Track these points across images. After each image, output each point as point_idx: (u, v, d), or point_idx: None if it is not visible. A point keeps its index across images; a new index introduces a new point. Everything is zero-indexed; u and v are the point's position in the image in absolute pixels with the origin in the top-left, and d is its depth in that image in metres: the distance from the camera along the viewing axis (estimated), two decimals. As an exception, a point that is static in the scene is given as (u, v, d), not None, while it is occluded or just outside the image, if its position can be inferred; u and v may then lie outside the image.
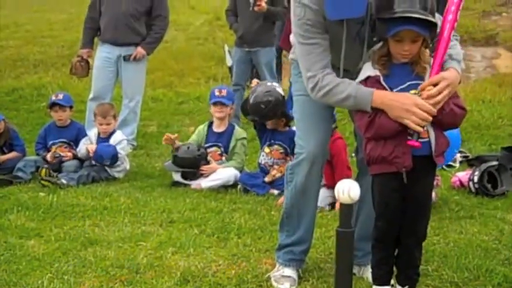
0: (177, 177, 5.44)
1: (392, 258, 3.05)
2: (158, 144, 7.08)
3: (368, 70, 2.94)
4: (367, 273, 3.30)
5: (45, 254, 3.68)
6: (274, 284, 3.32)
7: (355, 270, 3.38)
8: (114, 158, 5.61)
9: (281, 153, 5.25)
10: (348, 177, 4.89)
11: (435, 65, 2.88)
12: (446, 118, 2.89)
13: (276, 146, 5.26)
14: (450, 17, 2.92)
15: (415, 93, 2.87)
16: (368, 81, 2.91)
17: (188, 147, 5.41)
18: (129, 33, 6.72)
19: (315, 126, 3.20)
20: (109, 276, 3.39)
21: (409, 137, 2.83)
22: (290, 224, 3.40)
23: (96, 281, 3.30)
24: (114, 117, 5.90)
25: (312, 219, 3.44)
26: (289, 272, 3.36)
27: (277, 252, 3.47)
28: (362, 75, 2.95)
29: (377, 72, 2.90)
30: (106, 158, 5.58)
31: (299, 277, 3.38)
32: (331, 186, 4.80)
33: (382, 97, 2.86)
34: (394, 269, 3.09)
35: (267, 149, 5.28)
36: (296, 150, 3.33)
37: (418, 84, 2.88)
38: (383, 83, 2.88)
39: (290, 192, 3.37)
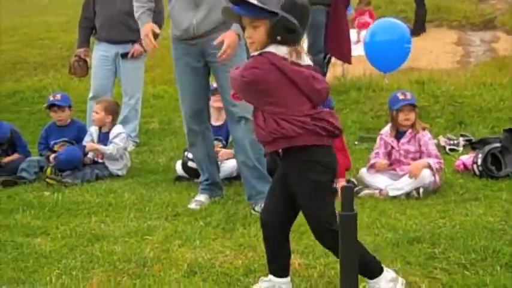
0: (181, 171, 5.44)
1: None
2: (161, 141, 7.10)
3: None
4: None
5: (52, 251, 3.69)
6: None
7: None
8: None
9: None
10: (345, 164, 4.93)
11: None
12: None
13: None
14: None
15: None
16: None
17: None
18: (124, 30, 6.69)
19: None
20: (116, 270, 3.39)
21: None
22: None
23: (104, 276, 3.30)
24: (107, 110, 5.81)
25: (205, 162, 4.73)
26: (201, 197, 4.64)
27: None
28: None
29: None
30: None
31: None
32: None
33: None
34: None
35: None
36: None
37: None
38: None
39: None
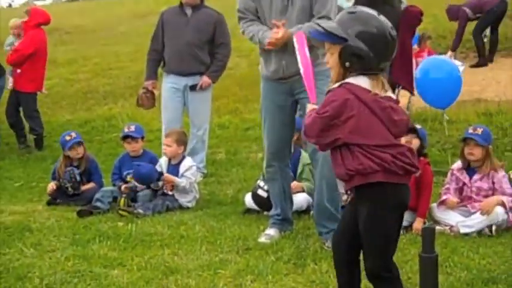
0: (250, 204, 5.51)
1: None
2: (228, 171, 7.20)
3: None
4: None
5: (129, 283, 3.78)
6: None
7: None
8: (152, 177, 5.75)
9: None
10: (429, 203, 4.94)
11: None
12: None
13: None
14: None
15: None
16: None
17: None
18: (193, 63, 6.83)
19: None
20: (192, 304, 3.47)
21: None
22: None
23: (181, 310, 3.39)
24: (178, 142, 5.91)
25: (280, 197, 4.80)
26: (271, 231, 4.68)
27: None
28: None
29: None
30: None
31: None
32: (411, 208, 4.81)
33: None
34: None
35: None
36: None
37: None
38: None
39: None
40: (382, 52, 2.85)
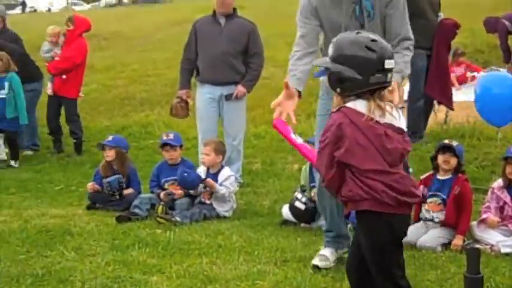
0: (287, 215, 5.52)
1: None
2: (264, 182, 7.21)
3: None
4: None
5: (169, 290, 3.84)
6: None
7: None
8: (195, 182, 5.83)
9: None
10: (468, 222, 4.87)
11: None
12: None
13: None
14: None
15: None
16: None
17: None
18: (228, 72, 6.84)
19: None
20: (231, 314, 3.49)
21: None
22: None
23: (221, 319, 3.41)
24: (217, 151, 5.97)
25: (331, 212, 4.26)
26: (326, 251, 4.25)
27: None
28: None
29: None
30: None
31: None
32: (450, 225, 4.79)
33: None
34: None
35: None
36: None
37: None
38: None
39: None
40: (365, 67, 2.84)
